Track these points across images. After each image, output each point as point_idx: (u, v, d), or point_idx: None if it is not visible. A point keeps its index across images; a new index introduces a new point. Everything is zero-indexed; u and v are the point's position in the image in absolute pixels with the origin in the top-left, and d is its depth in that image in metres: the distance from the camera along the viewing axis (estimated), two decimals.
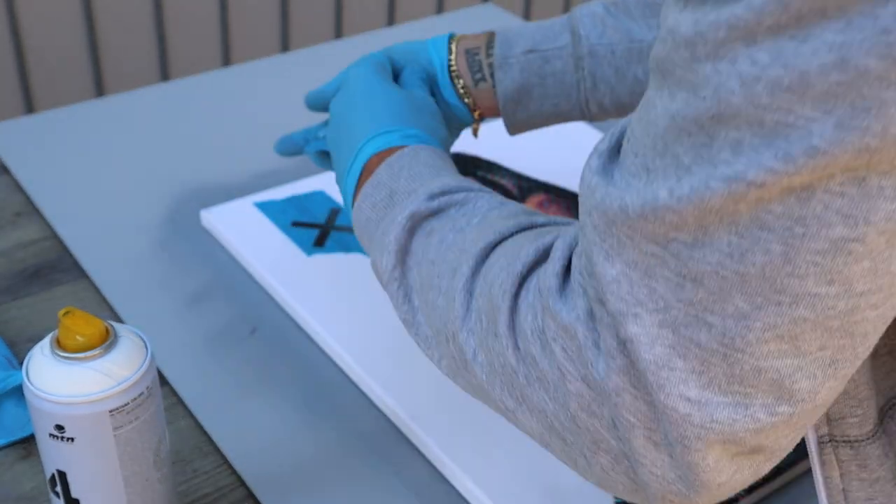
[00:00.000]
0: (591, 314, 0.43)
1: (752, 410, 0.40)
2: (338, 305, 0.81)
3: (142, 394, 0.56)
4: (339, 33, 2.11)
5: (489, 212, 0.55)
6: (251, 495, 0.68)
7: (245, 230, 0.89)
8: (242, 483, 0.69)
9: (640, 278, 0.40)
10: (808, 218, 0.35)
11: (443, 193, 0.58)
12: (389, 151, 0.63)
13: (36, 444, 0.57)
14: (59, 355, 0.54)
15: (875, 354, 0.51)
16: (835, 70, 0.32)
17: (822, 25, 0.33)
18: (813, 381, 0.40)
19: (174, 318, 0.80)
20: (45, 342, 0.55)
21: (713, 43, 0.35)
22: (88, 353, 0.54)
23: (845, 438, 0.50)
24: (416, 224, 0.57)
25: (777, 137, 0.34)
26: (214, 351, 0.78)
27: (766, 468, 0.43)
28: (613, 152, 0.43)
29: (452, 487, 0.68)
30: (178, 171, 1.00)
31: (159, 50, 1.91)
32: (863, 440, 0.50)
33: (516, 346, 0.47)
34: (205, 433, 0.72)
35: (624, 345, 0.41)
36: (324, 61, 1.22)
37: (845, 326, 0.39)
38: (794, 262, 0.36)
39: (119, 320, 0.80)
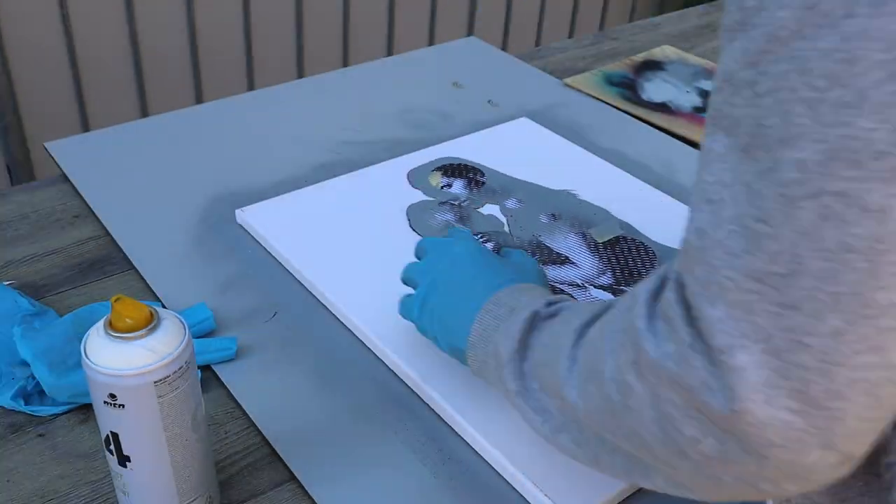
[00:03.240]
0: (689, 351, 0.41)
1: (847, 421, 0.38)
2: (357, 286, 0.81)
3: (181, 367, 0.55)
4: (345, 62, 2.10)
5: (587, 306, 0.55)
6: (274, 453, 0.68)
7: (273, 225, 0.89)
8: (267, 443, 0.68)
9: (743, 315, 0.38)
10: (887, 235, 0.35)
11: (556, 302, 0.58)
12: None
13: (93, 409, 0.57)
14: (111, 335, 0.54)
15: (845, 499, 0.48)
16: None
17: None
18: None
19: (208, 303, 0.80)
20: (100, 324, 0.55)
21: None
22: (136, 333, 0.54)
23: None
24: (535, 323, 0.57)
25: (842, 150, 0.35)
26: (242, 330, 0.78)
27: (848, 468, 0.40)
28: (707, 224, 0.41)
29: (445, 445, 0.68)
30: (211, 179, 1.00)
31: (194, 77, 1.91)
32: None
33: (615, 380, 0.46)
34: (234, 400, 0.72)
35: (729, 374, 0.39)
36: (332, 86, 1.22)
37: None
38: (878, 276, 0.35)
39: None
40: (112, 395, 0.55)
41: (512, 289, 0.62)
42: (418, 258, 0.73)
